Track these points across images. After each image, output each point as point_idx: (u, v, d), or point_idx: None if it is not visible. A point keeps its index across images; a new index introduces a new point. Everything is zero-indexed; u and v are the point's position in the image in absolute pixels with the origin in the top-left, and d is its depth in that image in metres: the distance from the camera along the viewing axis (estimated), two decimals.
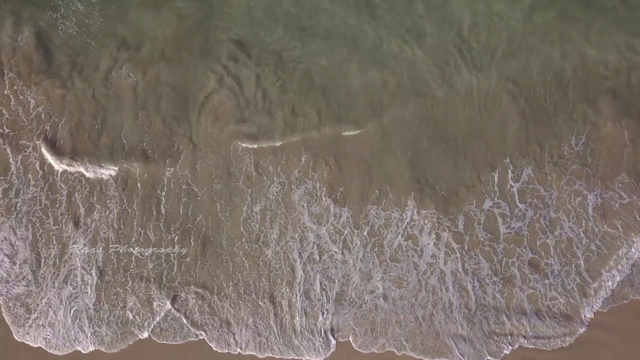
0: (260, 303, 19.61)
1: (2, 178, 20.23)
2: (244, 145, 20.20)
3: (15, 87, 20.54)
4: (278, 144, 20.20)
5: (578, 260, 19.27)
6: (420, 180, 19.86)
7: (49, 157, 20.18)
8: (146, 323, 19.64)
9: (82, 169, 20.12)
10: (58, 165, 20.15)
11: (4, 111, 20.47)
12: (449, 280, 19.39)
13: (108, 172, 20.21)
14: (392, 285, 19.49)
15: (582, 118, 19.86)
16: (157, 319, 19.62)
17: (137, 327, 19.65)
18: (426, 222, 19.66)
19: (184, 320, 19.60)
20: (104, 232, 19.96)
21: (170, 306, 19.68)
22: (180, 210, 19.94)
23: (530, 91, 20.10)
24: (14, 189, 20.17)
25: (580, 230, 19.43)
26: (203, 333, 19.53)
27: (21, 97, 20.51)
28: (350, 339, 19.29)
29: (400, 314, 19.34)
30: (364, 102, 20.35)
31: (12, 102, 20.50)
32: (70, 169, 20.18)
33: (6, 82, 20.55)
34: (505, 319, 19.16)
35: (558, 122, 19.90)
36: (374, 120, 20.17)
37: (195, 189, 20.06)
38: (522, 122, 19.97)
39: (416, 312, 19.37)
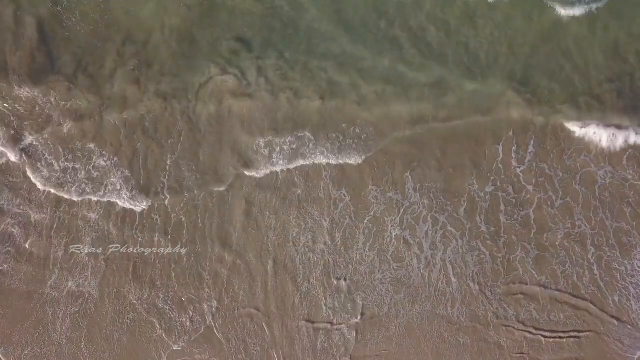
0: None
1: None
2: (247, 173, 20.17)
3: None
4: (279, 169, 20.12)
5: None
6: (424, 152, 19.62)
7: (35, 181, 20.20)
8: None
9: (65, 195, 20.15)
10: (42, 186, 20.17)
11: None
12: (451, 272, 19.16)
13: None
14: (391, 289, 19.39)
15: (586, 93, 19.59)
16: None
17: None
18: (425, 202, 19.40)
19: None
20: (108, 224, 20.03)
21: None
22: (185, 193, 19.90)
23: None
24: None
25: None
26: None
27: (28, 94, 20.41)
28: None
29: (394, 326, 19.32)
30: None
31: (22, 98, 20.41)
32: (56, 192, 20.19)
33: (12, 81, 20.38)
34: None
35: (561, 96, 19.51)
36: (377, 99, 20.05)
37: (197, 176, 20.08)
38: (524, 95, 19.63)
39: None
